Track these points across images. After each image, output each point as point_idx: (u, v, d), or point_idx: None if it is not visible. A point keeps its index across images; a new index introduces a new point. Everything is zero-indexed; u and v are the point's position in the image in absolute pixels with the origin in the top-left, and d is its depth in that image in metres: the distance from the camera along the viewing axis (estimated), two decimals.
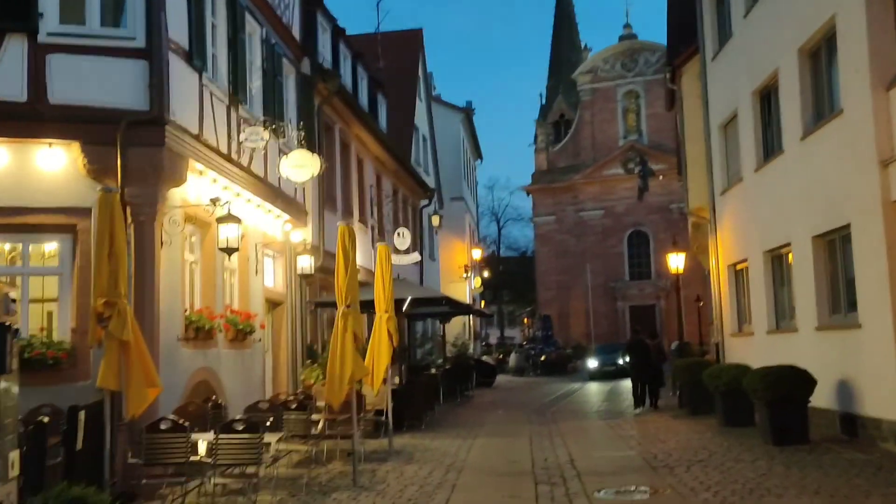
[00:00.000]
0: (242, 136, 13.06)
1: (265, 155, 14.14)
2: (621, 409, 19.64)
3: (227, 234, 11.66)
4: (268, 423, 10.01)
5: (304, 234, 16.80)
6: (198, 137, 11.37)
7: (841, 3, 11.51)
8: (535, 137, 64.29)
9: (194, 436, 8.71)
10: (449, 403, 22.28)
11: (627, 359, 21.12)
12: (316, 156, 14.91)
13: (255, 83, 14.38)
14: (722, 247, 18.11)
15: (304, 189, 16.75)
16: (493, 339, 63.26)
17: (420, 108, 34.75)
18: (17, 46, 9.83)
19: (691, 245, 22.65)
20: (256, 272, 14.43)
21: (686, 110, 20.20)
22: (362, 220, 22.39)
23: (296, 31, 17.29)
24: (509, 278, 68.93)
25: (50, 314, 10.61)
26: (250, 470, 8.71)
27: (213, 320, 12.05)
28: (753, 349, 15.58)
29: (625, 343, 26.87)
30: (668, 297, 51.63)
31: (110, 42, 10.33)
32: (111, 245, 7.80)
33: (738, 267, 17.24)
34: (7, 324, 5.83)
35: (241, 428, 8.47)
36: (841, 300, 12.36)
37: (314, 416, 11.62)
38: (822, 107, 12.69)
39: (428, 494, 9.15)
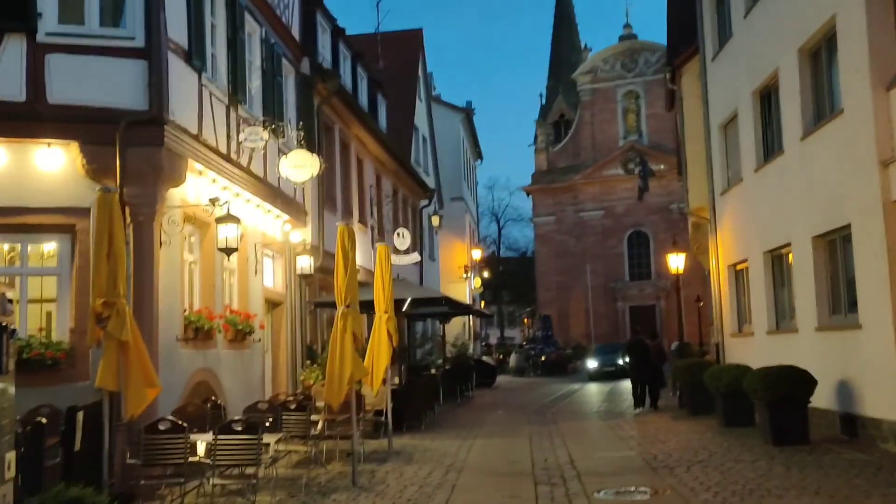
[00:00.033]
0: (242, 136, 13.05)
1: (265, 155, 14.13)
2: (621, 410, 19.62)
3: (226, 234, 11.67)
4: (267, 424, 10.02)
5: (303, 235, 16.79)
6: (197, 137, 11.36)
7: (841, 3, 11.50)
8: (535, 138, 64.24)
9: (193, 436, 8.71)
10: (449, 404, 22.26)
11: (627, 359, 21.09)
12: (315, 156, 14.92)
13: (254, 83, 14.37)
14: (722, 247, 18.09)
15: (303, 189, 16.74)
16: (493, 340, 63.25)
17: (420, 108, 34.72)
18: (15, 46, 9.83)
19: (691, 245, 22.62)
20: (256, 272, 14.42)
21: (686, 110, 20.19)
22: (362, 221, 22.37)
23: (295, 31, 17.29)
24: (509, 278, 68.94)
25: (49, 314, 10.59)
26: (249, 470, 8.69)
27: (212, 320, 12.04)
28: (753, 349, 15.56)
29: (625, 343, 26.81)
30: (668, 298, 51.59)
31: (109, 42, 10.32)
32: (110, 245, 7.77)
33: (739, 267, 17.23)
34: (4, 324, 5.81)
35: (240, 428, 8.46)
36: (841, 300, 12.34)
37: (314, 417, 11.59)
38: (823, 107, 12.68)
39: (427, 495, 9.14)
